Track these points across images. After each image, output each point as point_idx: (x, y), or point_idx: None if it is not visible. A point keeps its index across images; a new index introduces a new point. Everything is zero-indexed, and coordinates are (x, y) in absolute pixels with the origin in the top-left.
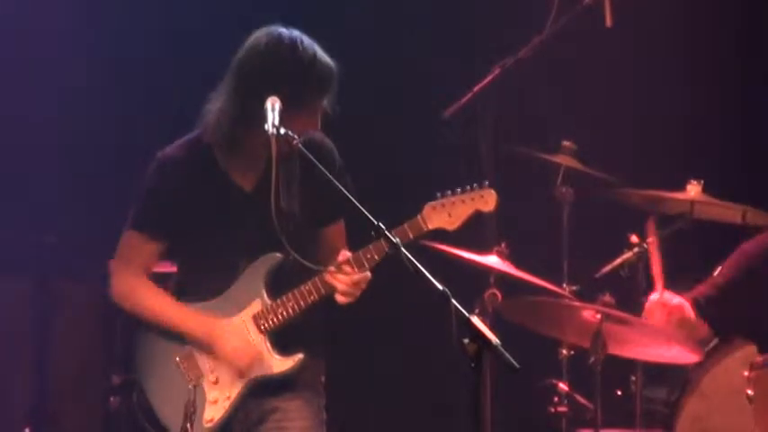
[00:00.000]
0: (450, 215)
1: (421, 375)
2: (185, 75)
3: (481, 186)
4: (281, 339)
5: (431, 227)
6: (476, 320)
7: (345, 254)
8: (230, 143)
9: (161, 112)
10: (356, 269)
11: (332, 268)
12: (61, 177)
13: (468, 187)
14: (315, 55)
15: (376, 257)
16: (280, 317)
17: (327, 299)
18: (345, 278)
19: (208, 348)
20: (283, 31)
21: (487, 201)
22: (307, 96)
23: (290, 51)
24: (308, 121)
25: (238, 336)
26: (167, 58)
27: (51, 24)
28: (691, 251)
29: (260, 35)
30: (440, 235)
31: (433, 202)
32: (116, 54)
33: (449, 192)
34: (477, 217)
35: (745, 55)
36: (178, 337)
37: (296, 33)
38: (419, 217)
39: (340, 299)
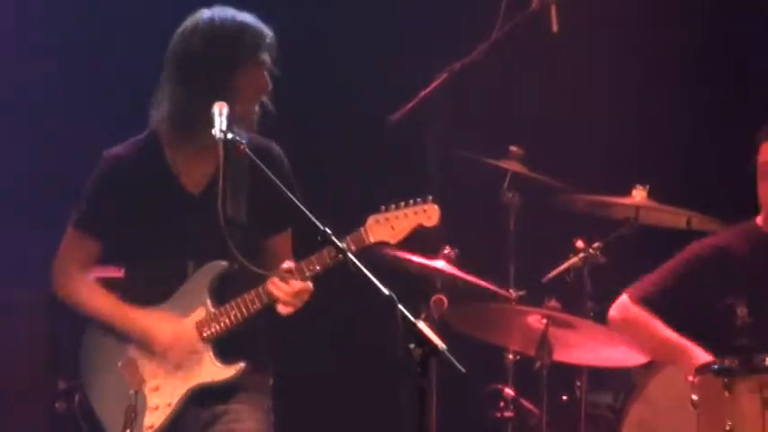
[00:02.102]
0: (393, 228)
1: (368, 380)
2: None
3: (424, 200)
4: (226, 346)
5: (373, 240)
6: (422, 326)
7: (289, 263)
8: (178, 141)
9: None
10: (298, 279)
11: (275, 278)
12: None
13: (412, 201)
14: (241, 21)
15: (318, 268)
16: (223, 325)
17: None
18: (287, 288)
19: (145, 343)
20: (207, 10)
21: (430, 215)
22: (240, 60)
23: (217, 27)
24: (256, 83)
25: (174, 327)
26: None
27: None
28: (636, 256)
29: (187, 21)
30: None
31: (376, 215)
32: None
33: (392, 205)
34: None
35: (690, 60)
36: (120, 342)
37: (220, 9)
38: (362, 230)
39: (281, 309)
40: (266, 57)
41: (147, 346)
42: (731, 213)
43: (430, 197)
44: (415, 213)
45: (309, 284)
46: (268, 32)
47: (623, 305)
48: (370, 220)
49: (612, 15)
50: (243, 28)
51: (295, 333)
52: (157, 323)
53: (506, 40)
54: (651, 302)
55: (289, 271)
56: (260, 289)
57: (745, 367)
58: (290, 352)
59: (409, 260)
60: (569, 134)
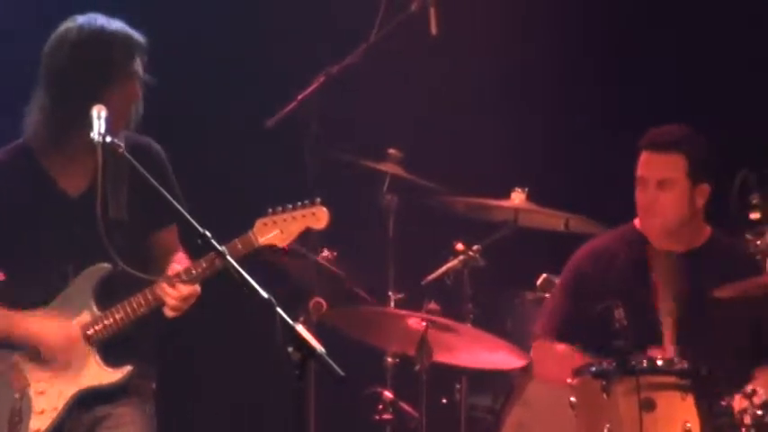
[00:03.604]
0: (281, 231)
1: (247, 383)
2: None
3: (313, 203)
4: (112, 349)
5: (262, 243)
6: (300, 329)
7: (175, 267)
8: (53, 146)
9: None
10: (185, 283)
11: (162, 282)
12: None
13: (300, 203)
14: (113, 30)
15: (207, 270)
16: (109, 328)
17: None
18: (174, 293)
19: (31, 345)
20: (79, 18)
21: (319, 218)
22: (114, 69)
23: (87, 35)
24: (126, 94)
25: (60, 328)
26: None
27: None
28: (515, 258)
29: (59, 29)
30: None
31: (264, 218)
32: None
33: (280, 208)
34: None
35: (568, 63)
36: (3, 345)
37: (91, 16)
38: (250, 233)
39: (168, 312)
40: (138, 67)
41: (32, 348)
42: (609, 216)
43: (318, 199)
44: (304, 216)
45: (197, 288)
46: (140, 40)
47: (536, 349)
48: (258, 223)
49: (493, 17)
50: (114, 39)
51: (175, 336)
52: (42, 324)
53: (385, 43)
54: (558, 332)
55: (176, 275)
56: (147, 291)
57: (622, 369)
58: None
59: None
60: (448, 137)
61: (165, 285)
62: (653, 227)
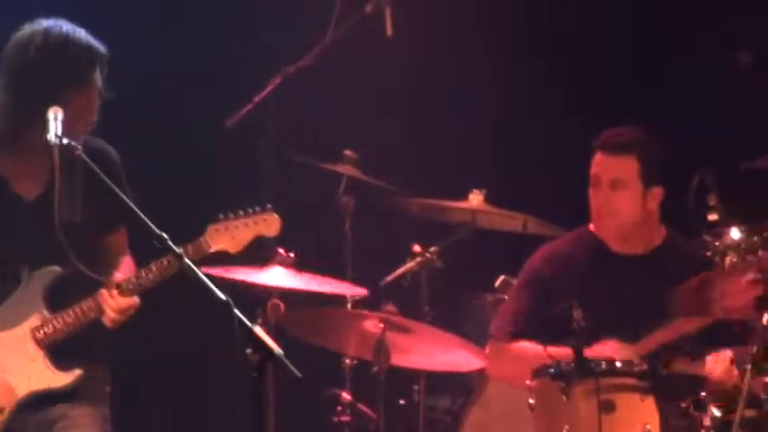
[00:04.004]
0: (233, 238)
1: (204, 386)
2: None
3: (264, 210)
4: (63, 352)
5: (213, 249)
6: (258, 331)
7: (117, 276)
8: (8, 147)
9: None
10: (127, 293)
11: (104, 290)
12: None
13: (251, 210)
14: (78, 38)
15: (157, 274)
16: (59, 331)
17: None
18: (113, 304)
19: None
20: (44, 22)
21: (271, 225)
22: (75, 79)
23: (53, 40)
24: (83, 104)
25: (7, 332)
26: None
27: None
28: (473, 260)
29: (23, 31)
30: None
31: (216, 225)
32: None
33: (231, 214)
34: None
35: (523, 63)
36: None
37: (57, 22)
38: (202, 239)
39: (106, 321)
40: (98, 78)
41: None
42: (566, 218)
43: (269, 206)
44: (256, 223)
45: (136, 300)
46: (102, 52)
47: (491, 350)
48: (210, 228)
49: (448, 18)
50: (78, 47)
51: (129, 339)
52: None
53: (340, 44)
54: (513, 333)
55: (117, 284)
56: (97, 297)
57: (581, 371)
58: (125, 358)
59: (242, 280)
60: (405, 138)
61: (105, 294)
62: (607, 228)
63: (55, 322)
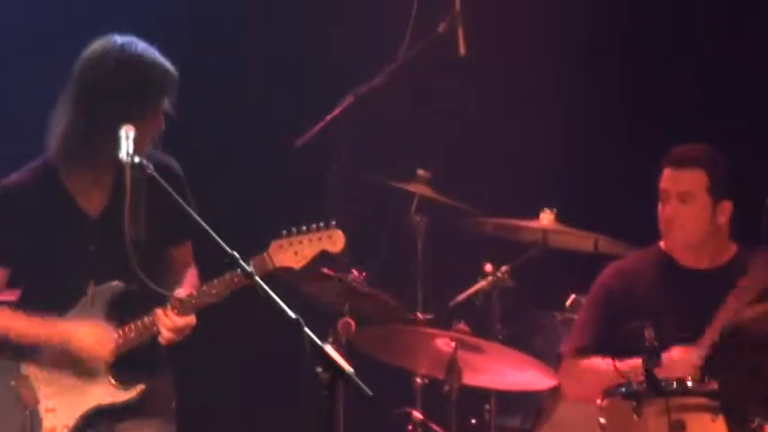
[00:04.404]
0: (296, 253)
1: (275, 404)
2: None
3: (328, 226)
4: (125, 367)
5: (277, 265)
6: (329, 349)
7: (179, 293)
8: (77, 163)
9: None
10: (187, 310)
11: (160, 309)
12: None
13: (315, 226)
14: (153, 59)
15: (222, 290)
16: (121, 347)
17: None
18: (168, 323)
19: (64, 345)
20: (118, 39)
21: (335, 241)
22: (149, 100)
23: (128, 59)
24: (152, 125)
25: (91, 324)
26: None
27: None
28: (544, 279)
29: (96, 47)
30: None
31: (279, 240)
32: None
33: (294, 229)
34: None
35: (596, 82)
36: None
37: (130, 39)
38: (265, 254)
39: (162, 340)
40: (168, 100)
41: (58, 350)
42: (638, 236)
43: (333, 222)
44: (319, 239)
45: (192, 319)
46: (173, 73)
47: (564, 367)
48: (274, 245)
49: (520, 38)
50: (151, 66)
51: (199, 357)
52: (76, 327)
53: (413, 64)
54: (586, 350)
55: (179, 300)
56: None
57: (652, 390)
58: (195, 376)
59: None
60: (477, 158)
61: (161, 314)
62: (675, 241)
63: (117, 337)
